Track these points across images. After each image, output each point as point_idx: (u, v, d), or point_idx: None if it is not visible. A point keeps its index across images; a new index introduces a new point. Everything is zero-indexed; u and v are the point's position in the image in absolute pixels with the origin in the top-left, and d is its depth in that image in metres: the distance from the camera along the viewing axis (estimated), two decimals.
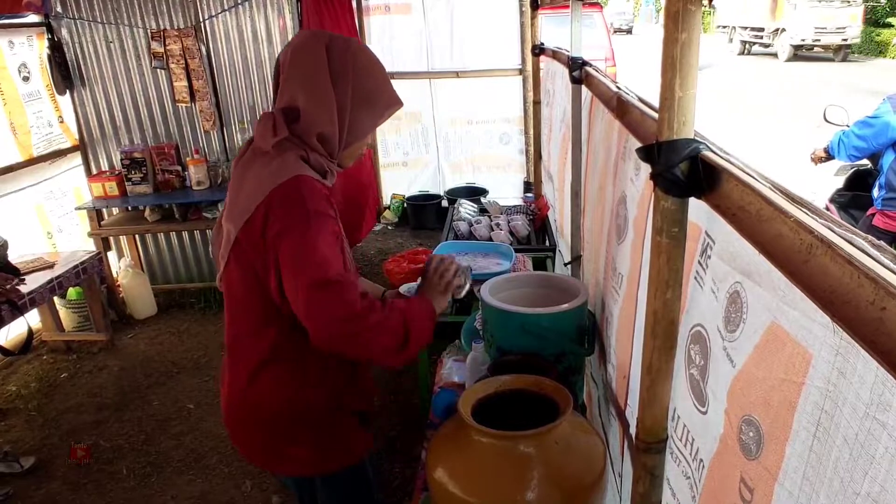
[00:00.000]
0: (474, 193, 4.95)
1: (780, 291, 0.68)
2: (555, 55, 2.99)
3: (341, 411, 1.48)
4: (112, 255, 4.44)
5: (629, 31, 31.19)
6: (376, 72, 1.40)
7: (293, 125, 1.34)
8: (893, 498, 0.50)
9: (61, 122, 4.35)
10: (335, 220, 1.32)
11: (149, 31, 4.11)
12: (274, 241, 1.28)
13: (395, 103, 1.43)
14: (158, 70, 4.19)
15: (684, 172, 0.81)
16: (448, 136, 5.22)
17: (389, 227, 5.72)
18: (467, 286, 1.62)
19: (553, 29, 6.98)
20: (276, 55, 4.15)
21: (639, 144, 1.15)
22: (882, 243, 0.50)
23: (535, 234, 3.23)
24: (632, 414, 1.29)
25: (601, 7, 9.81)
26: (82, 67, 4.18)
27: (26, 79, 4.09)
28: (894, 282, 0.45)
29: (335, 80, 1.33)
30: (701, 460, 0.96)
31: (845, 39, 16.37)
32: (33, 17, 4.06)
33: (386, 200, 5.75)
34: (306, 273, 1.26)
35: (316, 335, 1.27)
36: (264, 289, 1.34)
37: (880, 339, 0.45)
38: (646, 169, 0.90)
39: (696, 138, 0.81)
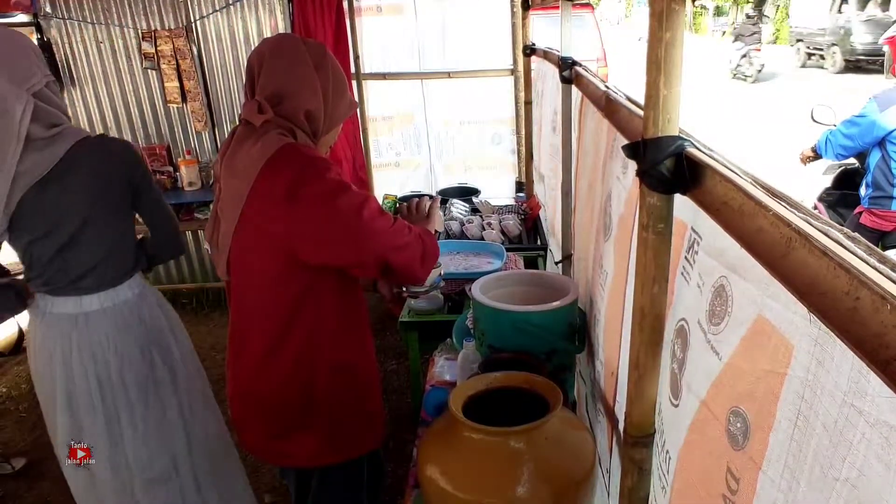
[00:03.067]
0: (466, 193, 4.95)
1: (763, 284, 0.69)
2: (546, 55, 3.00)
3: (351, 396, 1.50)
4: None
5: None
6: (342, 72, 1.51)
7: (278, 107, 1.40)
8: (870, 482, 0.51)
9: None
10: (335, 168, 1.38)
11: (139, 31, 4.10)
12: (285, 205, 1.31)
13: (355, 103, 1.57)
14: (149, 71, 4.18)
15: (669, 169, 0.82)
16: (440, 136, 5.23)
17: None
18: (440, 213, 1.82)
19: (544, 29, 7.01)
20: None
21: (626, 142, 1.17)
22: (857, 235, 0.51)
23: (527, 234, 3.25)
24: (620, 410, 1.30)
25: (592, 7, 9.85)
26: (72, 68, 4.17)
27: None
28: (867, 272, 0.46)
29: (316, 66, 1.42)
30: (668, 451, 0.98)
31: None
32: (22, 17, 4.03)
33: (378, 201, 5.75)
34: (342, 204, 1.31)
35: (371, 255, 1.35)
36: (284, 256, 1.35)
37: (854, 328, 0.47)
38: (633, 167, 0.91)
39: (681, 135, 0.83)
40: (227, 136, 1.50)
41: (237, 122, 4.50)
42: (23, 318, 3.67)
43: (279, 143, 1.34)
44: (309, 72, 1.41)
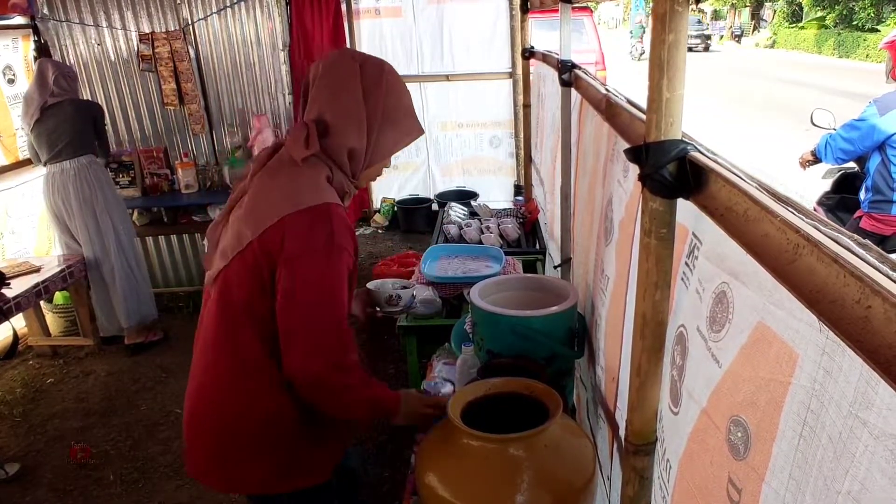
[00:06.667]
0: (464, 197, 4.94)
1: (766, 291, 0.68)
2: (545, 58, 2.99)
3: (309, 429, 1.42)
4: None
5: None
6: (404, 95, 1.43)
7: (323, 139, 1.35)
8: (873, 496, 0.49)
9: None
10: (350, 255, 1.34)
11: (137, 33, 4.08)
12: (289, 261, 1.27)
13: (417, 129, 1.46)
14: (147, 73, 4.17)
15: (672, 173, 0.81)
16: (438, 139, 5.22)
17: (380, 231, 5.71)
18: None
19: (543, 33, 7.01)
20: (266, 58, 4.14)
21: (627, 146, 1.16)
22: (868, 242, 0.50)
23: (526, 237, 3.23)
24: (621, 416, 1.29)
25: (591, 11, 9.85)
26: None
27: (11, 81, 4.05)
28: (880, 280, 0.45)
29: (366, 96, 1.35)
30: (668, 460, 0.96)
31: None
32: (19, 19, 4.02)
33: (376, 204, 5.74)
34: (317, 311, 1.28)
35: (302, 370, 1.29)
36: (269, 296, 1.32)
37: (866, 337, 0.45)
38: (634, 170, 0.90)
39: (684, 139, 0.81)
40: (270, 147, 1.45)
41: (234, 125, 4.45)
42: (17, 322, 3.66)
43: (322, 198, 1.30)
44: (355, 103, 1.34)
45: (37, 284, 3.36)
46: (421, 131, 1.47)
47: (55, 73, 3.49)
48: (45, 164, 3.57)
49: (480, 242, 3.02)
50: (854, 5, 21.07)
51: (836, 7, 22.22)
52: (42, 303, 3.82)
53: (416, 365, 2.54)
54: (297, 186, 1.32)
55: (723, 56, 24.81)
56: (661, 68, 0.77)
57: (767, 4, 31.82)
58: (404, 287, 1.86)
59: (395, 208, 5.62)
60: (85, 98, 4.01)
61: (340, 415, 1.41)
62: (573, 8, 2.20)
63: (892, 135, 3.00)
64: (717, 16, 36.45)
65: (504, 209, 3.65)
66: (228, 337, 1.38)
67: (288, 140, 1.38)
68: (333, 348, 1.30)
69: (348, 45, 4.50)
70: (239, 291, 1.35)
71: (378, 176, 1.50)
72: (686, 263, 0.94)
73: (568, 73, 2.09)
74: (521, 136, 4.54)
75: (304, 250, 1.27)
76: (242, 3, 4.05)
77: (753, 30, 33.21)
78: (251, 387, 1.37)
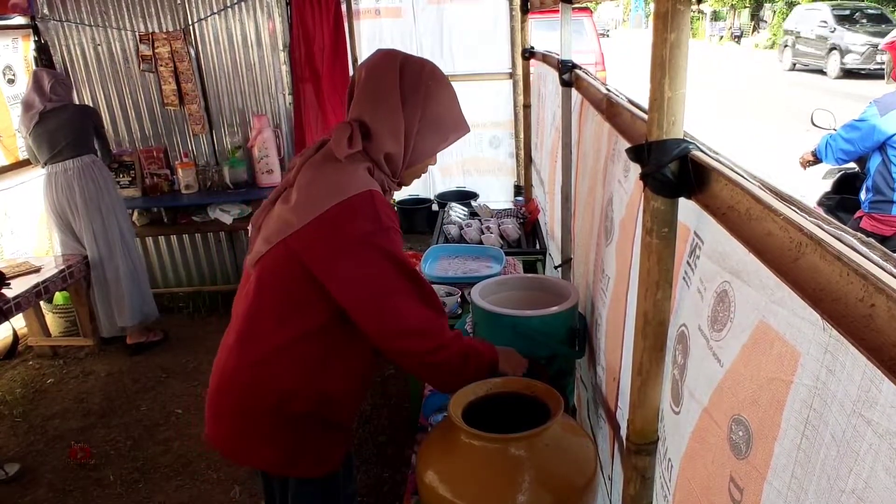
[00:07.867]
0: (465, 197, 4.94)
1: (768, 290, 0.68)
2: (545, 59, 2.99)
3: (322, 417, 1.46)
4: None
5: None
6: (446, 96, 1.44)
7: (364, 140, 1.38)
8: (877, 494, 0.50)
9: None
10: (398, 231, 1.37)
11: (137, 33, 4.08)
12: (343, 250, 1.31)
13: (461, 128, 1.48)
14: (147, 73, 4.16)
15: (674, 172, 0.81)
16: None
17: None
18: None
19: (543, 33, 7.01)
20: (266, 58, 4.14)
21: (628, 146, 1.16)
22: (871, 240, 0.50)
23: (526, 238, 3.23)
24: (622, 416, 1.29)
25: (591, 12, 9.86)
26: (69, 70, 4.15)
27: (11, 81, 4.05)
28: (883, 277, 0.45)
29: (405, 101, 1.37)
30: (669, 459, 0.96)
31: None
32: (19, 19, 4.02)
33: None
34: (397, 286, 1.31)
35: (398, 345, 1.35)
36: (313, 284, 1.34)
37: (869, 335, 0.45)
38: (635, 170, 0.90)
39: (686, 138, 0.81)
40: (316, 143, 1.47)
41: (234, 126, 4.44)
42: (17, 322, 3.66)
43: (366, 185, 1.33)
44: (392, 111, 1.37)
45: (37, 284, 3.35)
46: (466, 129, 1.48)
47: (51, 81, 3.54)
48: (44, 165, 3.57)
49: (481, 243, 3.02)
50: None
51: None
52: (42, 303, 3.81)
53: None
54: (340, 179, 1.34)
55: None
56: (662, 67, 0.77)
57: (767, 5, 31.83)
58: (449, 294, 1.84)
59: (396, 208, 5.62)
60: (80, 104, 4.04)
61: (448, 379, 1.41)
62: (573, 9, 2.20)
63: (893, 135, 3.00)
64: (716, 17, 36.47)
65: (504, 209, 3.65)
66: (260, 317, 1.42)
67: (332, 137, 1.40)
68: (432, 319, 1.35)
69: (348, 46, 4.50)
70: (278, 275, 1.39)
71: (423, 173, 1.52)
72: (687, 262, 0.94)
73: (568, 73, 2.09)
74: (521, 136, 4.54)
75: (356, 239, 1.30)
76: (242, 3, 4.05)
77: (753, 31, 33.20)
78: (272, 367, 1.41)
